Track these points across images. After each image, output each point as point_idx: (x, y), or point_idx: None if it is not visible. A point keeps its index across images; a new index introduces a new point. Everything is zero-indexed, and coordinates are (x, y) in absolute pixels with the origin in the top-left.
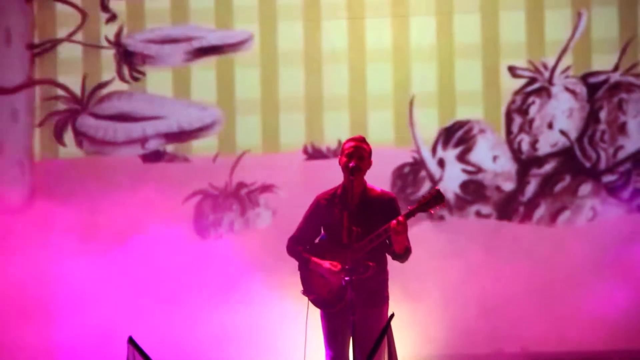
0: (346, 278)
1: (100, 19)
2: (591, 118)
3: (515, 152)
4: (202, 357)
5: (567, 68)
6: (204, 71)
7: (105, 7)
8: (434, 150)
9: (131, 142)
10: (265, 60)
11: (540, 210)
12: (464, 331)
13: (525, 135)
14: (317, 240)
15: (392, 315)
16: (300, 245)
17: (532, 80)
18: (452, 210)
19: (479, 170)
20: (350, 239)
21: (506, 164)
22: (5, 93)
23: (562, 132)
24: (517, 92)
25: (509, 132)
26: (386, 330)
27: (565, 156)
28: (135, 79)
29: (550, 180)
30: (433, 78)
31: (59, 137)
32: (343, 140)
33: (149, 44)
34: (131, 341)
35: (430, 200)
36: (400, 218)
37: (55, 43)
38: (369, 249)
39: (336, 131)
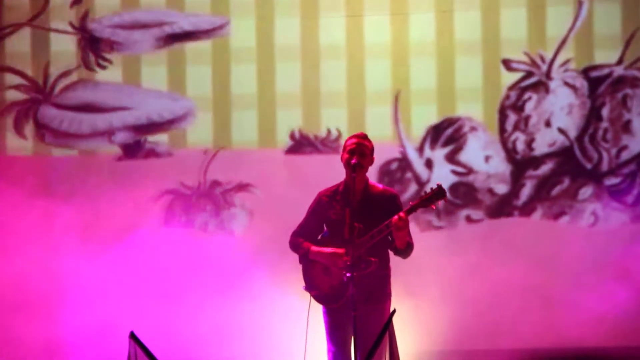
0: (347, 274)
1: (64, 2)
2: (592, 115)
3: (510, 152)
4: (204, 353)
5: (567, 61)
6: (177, 61)
7: None
8: (421, 149)
9: (97, 134)
10: (261, 55)
11: (537, 215)
12: (464, 328)
13: (521, 134)
14: (319, 237)
15: (394, 311)
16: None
17: (529, 74)
18: (440, 215)
19: (470, 171)
20: (352, 235)
21: (499, 165)
22: None
23: (561, 131)
24: (511, 87)
25: (502, 130)
26: (388, 327)
27: (564, 157)
28: (102, 67)
29: (548, 182)
30: (432, 75)
31: (19, 129)
32: (334, 129)
33: (116, 29)
34: (133, 336)
35: (431, 196)
36: (401, 214)
37: (16, 28)
38: (371, 244)
39: (333, 127)
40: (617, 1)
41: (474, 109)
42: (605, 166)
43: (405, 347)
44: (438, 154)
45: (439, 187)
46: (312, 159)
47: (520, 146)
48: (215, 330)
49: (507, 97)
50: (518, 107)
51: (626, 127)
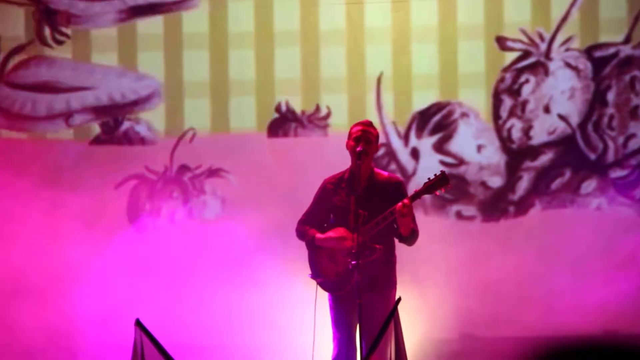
0: (352, 262)
1: None
2: (597, 100)
3: (505, 141)
4: (208, 340)
5: (568, 39)
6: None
7: None
8: (406, 137)
9: (53, 117)
10: (260, 40)
11: (535, 211)
12: (469, 315)
13: (517, 121)
14: (325, 225)
15: (399, 299)
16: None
17: (526, 54)
18: (428, 210)
19: (461, 162)
20: (357, 223)
21: (493, 155)
22: None
23: (562, 117)
24: (506, 69)
25: (497, 116)
26: (393, 315)
27: (565, 146)
28: (59, 42)
29: (547, 175)
30: (435, 60)
31: None
32: (324, 107)
33: (74, 0)
34: (138, 324)
35: (435, 182)
36: (405, 200)
37: None
38: (375, 231)
39: (334, 113)
40: None
41: (477, 94)
42: (610, 157)
43: (411, 335)
44: (425, 143)
45: (443, 173)
46: (296, 142)
47: (517, 134)
48: (221, 318)
49: (502, 79)
50: (514, 91)
51: (634, 113)
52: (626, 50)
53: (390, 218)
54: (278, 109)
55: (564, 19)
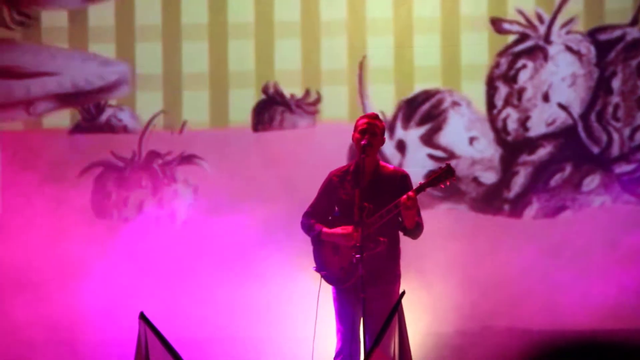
0: (357, 255)
1: None
2: (601, 88)
3: (499, 133)
4: (212, 333)
5: (570, 20)
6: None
7: None
8: (391, 129)
9: (12, 104)
10: (260, 31)
11: (532, 210)
12: (473, 309)
13: (513, 111)
14: (330, 218)
15: (403, 292)
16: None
17: (523, 37)
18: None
19: (451, 156)
20: (362, 216)
21: (487, 149)
22: None
23: (562, 107)
24: (501, 53)
25: (491, 105)
26: (397, 308)
27: (566, 138)
28: (20, 24)
29: (546, 170)
30: (436, 51)
31: None
32: (314, 92)
33: None
34: (142, 317)
35: (440, 175)
36: (410, 193)
37: None
38: (380, 224)
39: (334, 106)
40: None
41: (479, 87)
42: (615, 150)
43: (415, 329)
44: (412, 135)
45: (448, 165)
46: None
47: (513, 125)
48: (225, 311)
49: (497, 65)
50: (510, 78)
51: None
52: (633, 33)
53: (394, 211)
54: (265, 90)
55: None
